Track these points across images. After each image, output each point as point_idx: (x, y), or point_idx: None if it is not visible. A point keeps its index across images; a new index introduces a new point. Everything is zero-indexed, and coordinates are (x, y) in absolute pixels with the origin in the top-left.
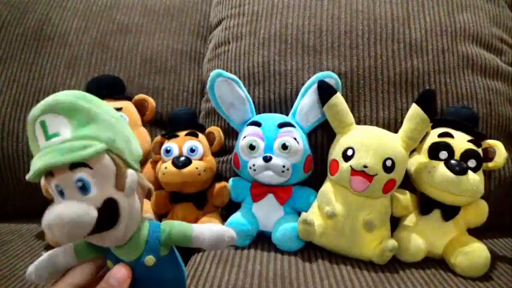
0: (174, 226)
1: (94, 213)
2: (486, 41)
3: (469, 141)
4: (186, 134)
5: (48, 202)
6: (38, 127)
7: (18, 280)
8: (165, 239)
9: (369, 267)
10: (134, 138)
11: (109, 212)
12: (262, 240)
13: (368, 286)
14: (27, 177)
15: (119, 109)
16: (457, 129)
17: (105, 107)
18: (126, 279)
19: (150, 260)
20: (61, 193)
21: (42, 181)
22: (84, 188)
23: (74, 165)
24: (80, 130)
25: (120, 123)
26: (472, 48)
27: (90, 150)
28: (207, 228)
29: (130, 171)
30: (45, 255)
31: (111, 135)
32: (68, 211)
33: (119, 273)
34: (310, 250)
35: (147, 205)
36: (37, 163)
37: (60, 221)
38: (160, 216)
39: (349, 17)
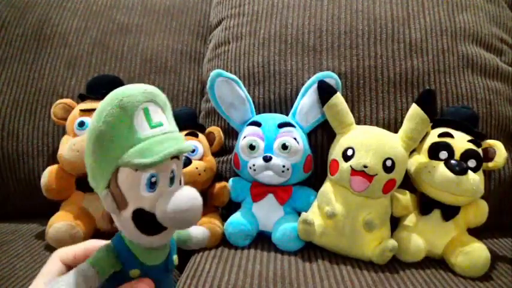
0: (182, 232)
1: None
2: (486, 41)
3: (469, 141)
4: (186, 134)
5: (48, 202)
6: (140, 114)
7: (18, 280)
8: (177, 239)
9: (369, 267)
10: None
11: None
12: (262, 240)
13: (368, 286)
14: (148, 161)
15: None
16: (457, 129)
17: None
18: None
19: (176, 259)
20: (151, 184)
21: (43, 180)
22: (172, 180)
23: (173, 156)
24: (171, 125)
25: None
26: (472, 48)
27: (190, 146)
28: (193, 230)
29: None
30: (65, 281)
31: None
32: (196, 195)
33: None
34: (310, 250)
35: None
36: (166, 148)
37: (198, 203)
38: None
39: (349, 17)
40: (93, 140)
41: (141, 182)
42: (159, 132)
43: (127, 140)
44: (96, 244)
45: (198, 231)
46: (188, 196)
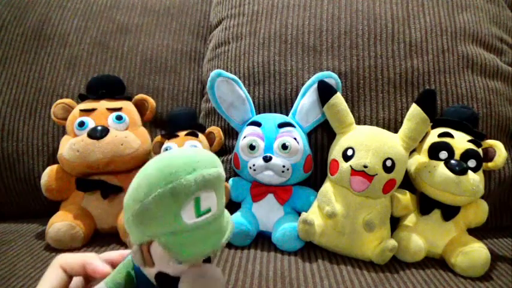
0: None
1: None
2: (486, 41)
3: (469, 141)
4: (186, 134)
5: (48, 202)
6: (190, 203)
7: (18, 280)
8: None
9: (369, 267)
10: None
11: None
12: (262, 240)
13: (368, 286)
14: (183, 259)
15: (118, 109)
16: (457, 129)
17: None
18: None
19: None
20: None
21: (43, 180)
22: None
23: None
24: (220, 202)
25: None
26: (472, 48)
27: (229, 233)
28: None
29: None
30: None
31: None
32: (220, 277)
33: None
34: (310, 250)
35: None
36: (207, 247)
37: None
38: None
39: (349, 17)
40: (136, 211)
41: (171, 259)
42: (205, 221)
43: (170, 225)
44: (99, 260)
45: None
46: (213, 283)
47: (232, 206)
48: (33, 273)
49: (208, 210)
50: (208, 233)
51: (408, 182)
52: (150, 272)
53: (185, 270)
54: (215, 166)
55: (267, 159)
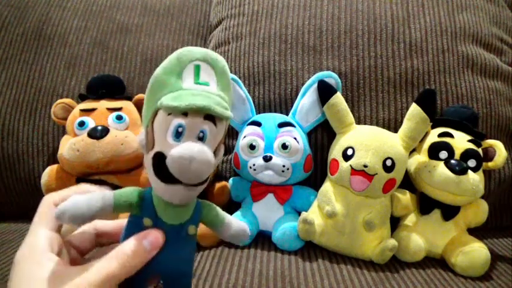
0: (213, 206)
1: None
2: (486, 41)
3: (469, 141)
4: None
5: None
6: (190, 68)
7: None
8: (205, 214)
9: (369, 266)
10: None
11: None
12: (262, 239)
13: (368, 285)
14: (172, 103)
15: (119, 109)
16: (457, 129)
17: (230, 86)
18: (158, 246)
19: (192, 229)
20: (178, 133)
21: (43, 180)
22: (201, 139)
23: (207, 117)
24: (222, 92)
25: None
26: (472, 48)
27: (229, 113)
28: (234, 219)
29: (223, 147)
30: (82, 197)
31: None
32: (208, 151)
33: (155, 237)
34: (310, 249)
35: None
36: (196, 100)
37: (205, 156)
38: None
39: (349, 17)
40: (149, 84)
41: (170, 127)
42: (200, 90)
43: (171, 87)
44: (89, 188)
45: (237, 223)
46: (195, 148)
47: (232, 206)
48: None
49: (206, 84)
50: (204, 95)
51: (408, 182)
52: (149, 158)
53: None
54: (223, 60)
55: (267, 159)
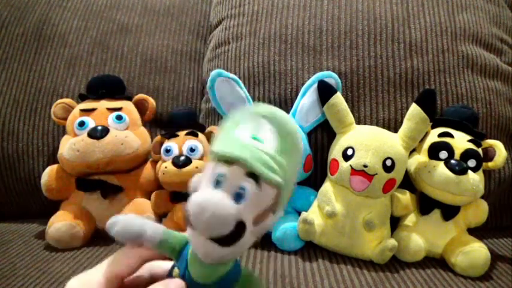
0: (256, 282)
1: (238, 218)
2: (486, 41)
3: (469, 141)
4: (186, 134)
5: (48, 202)
6: (251, 121)
7: (18, 279)
8: (241, 285)
9: (369, 266)
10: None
11: (236, 232)
12: (262, 239)
13: (368, 285)
14: (213, 148)
15: (119, 109)
16: (457, 129)
17: (299, 159)
18: None
19: None
20: (217, 182)
21: (43, 180)
22: (239, 197)
23: (251, 175)
24: (280, 156)
25: (294, 176)
26: (472, 48)
27: (276, 178)
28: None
29: (272, 217)
30: (138, 220)
31: (287, 181)
32: (231, 207)
33: (176, 285)
34: (310, 249)
35: (147, 205)
36: (235, 150)
37: (222, 211)
38: (160, 216)
39: (349, 17)
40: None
41: (211, 174)
42: (251, 143)
43: (227, 135)
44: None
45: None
46: (215, 198)
47: None
48: (33, 273)
49: (260, 141)
50: (251, 147)
51: (408, 182)
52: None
53: None
54: (293, 126)
55: None
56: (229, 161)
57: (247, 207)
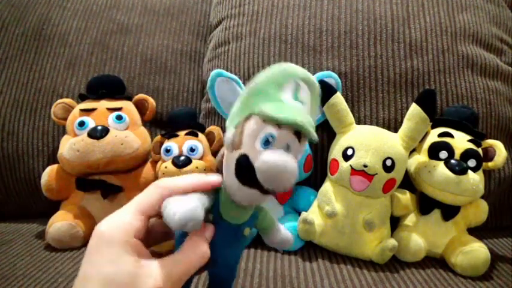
0: (267, 211)
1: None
2: (486, 41)
3: (469, 141)
4: (186, 134)
5: (48, 202)
6: (292, 85)
7: (18, 279)
8: (261, 218)
9: (369, 266)
10: None
11: None
12: (262, 239)
13: (368, 285)
14: (275, 115)
15: (119, 109)
16: (457, 129)
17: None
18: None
19: (247, 231)
20: (267, 142)
21: (43, 180)
22: (286, 150)
23: (296, 133)
24: (311, 115)
25: None
26: (472, 48)
27: (316, 137)
28: (282, 227)
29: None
30: (199, 204)
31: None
32: (292, 160)
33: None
34: (310, 249)
35: None
36: (296, 117)
37: (293, 166)
38: (160, 216)
39: (349, 17)
40: (249, 89)
41: (260, 135)
42: (298, 107)
43: (271, 97)
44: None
45: (284, 230)
46: (289, 158)
47: None
48: (33, 272)
49: (303, 103)
50: (302, 113)
51: (408, 182)
52: (233, 157)
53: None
54: (319, 87)
55: None
56: (279, 123)
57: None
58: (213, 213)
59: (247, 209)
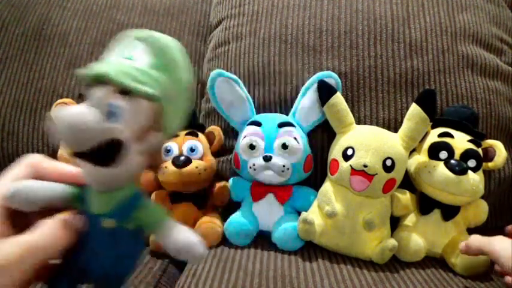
0: (154, 206)
1: (108, 135)
2: (486, 41)
3: (469, 141)
4: (186, 134)
5: None
6: (125, 44)
7: None
8: (139, 211)
9: (369, 266)
10: (182, 118)
11: (110, 149)
12: (262, 239)
13: (368, 285)
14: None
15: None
16: (457, 129)
17: (185, 76)
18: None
19: (107, 222)
20: (81, 96)
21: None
22: (112, 115)
23: (122, 92)
24: (154, 71)
25: (184, 97)
26: (472, 48)
27: (147, 90)
28: (183, 232)
29: (157, 135)
30: (38, 185)
31: (169, 96)
32: (92, 116)
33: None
34: (310, 249)
35: None
36: (99, 68)
37: (82, 119)
38: None
39: (349, 17)
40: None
41: (87, 98)
42: (118, 62)
43: (101, 60)
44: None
45: (183, 237)
46: (75, 109)
47: (232, 206)
48: None
49: (130, 58)
50: (118, 65)
51: (408, 182)
52: None
53: None
54: (171, 42)
55: (267, 159)
56: (99, 82)
57: (122, 125)
58: (79, 203)
59: (109, 193)
